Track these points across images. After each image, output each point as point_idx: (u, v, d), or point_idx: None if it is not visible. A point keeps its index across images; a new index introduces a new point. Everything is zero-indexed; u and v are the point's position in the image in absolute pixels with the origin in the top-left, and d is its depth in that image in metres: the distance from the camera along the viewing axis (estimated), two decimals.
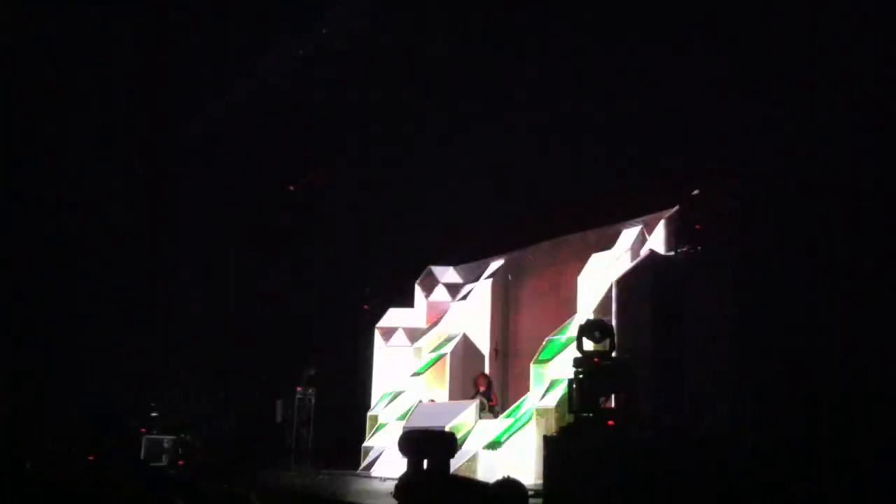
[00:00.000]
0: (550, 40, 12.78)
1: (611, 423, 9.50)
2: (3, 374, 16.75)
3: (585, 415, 9.71)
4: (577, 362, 10.08)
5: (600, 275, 12.40)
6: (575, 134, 12.81)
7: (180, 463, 16.24)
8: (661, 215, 11.99)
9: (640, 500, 8.28)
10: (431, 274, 16.18)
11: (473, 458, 12.46)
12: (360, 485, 13.03)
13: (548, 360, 12.50)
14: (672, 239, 11.42)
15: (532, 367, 12.75)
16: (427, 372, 14.88)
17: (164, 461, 16.23)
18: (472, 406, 13.53)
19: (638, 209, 12.56)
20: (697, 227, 10.72)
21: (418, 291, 16.15)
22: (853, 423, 8.39)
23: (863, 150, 8.89)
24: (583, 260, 13.00)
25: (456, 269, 16.07)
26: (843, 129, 9.02)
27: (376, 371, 16.10)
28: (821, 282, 9.03)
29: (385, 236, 16.37)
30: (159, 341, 19.86)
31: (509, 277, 15.21)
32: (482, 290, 15.10)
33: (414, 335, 15.86)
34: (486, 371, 14.53)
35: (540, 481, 10.33)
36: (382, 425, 15.01)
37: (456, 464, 12.08)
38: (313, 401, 16.52)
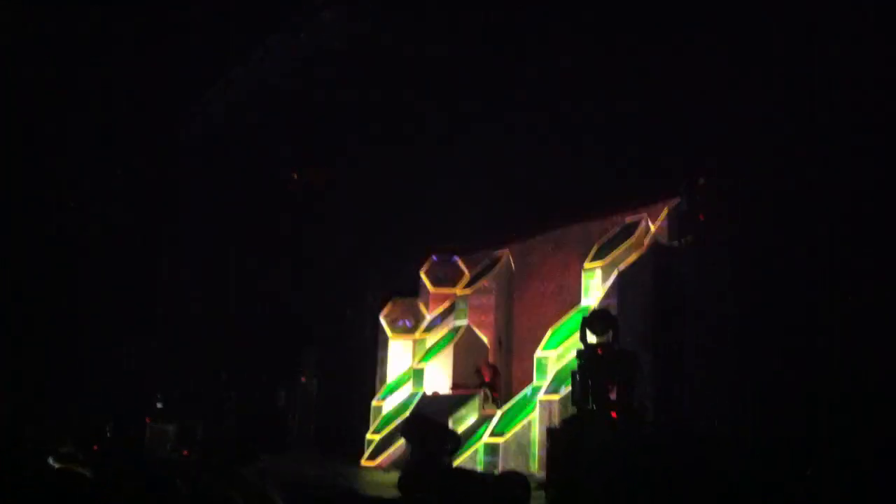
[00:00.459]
0: (552, 35, 12.75)
1: (614, 414, 9.51)
2: (3, 374, 16.77)
3: (588, 406, 9.72)
4: (580, 354, 10.08)
5: (603, 265, 12.38)
6: (578, 124, 12.76)
7: (184, 452, 16.27)
8: (665, 205, 11.96)
9: (643, 494, 8.29)
10: (435, 263, 16.17)
11: (476, 450, 12.47)
12: (364, 475, 13.06)
13: (551, 351, 12.50)
14: (676, 229, 11.39)
15: (535, 357, 12.75)
16: (430, 362, 14.89)
17: (168, 450, 16.26)
18: (475, 397, 13.54)
19: (642, 199, 12.53)
20: (701, 217, 10.67)
21: (422, 281, 16.14)
22: (853, 421, 8.37)
23: (864, 149, 8.86)
24: (586, 250, 12.98)
25: (460, 259, 16.05)
26: (844, 127, 8.99)
27: (379, 361, 16.11)
28: (821, 280, 9.00)
29: (389, 225, 16.34)
30: (161, 330, 19.90)
31: (513, 267, 15.19)
32: (486, 281, 15.08)
33: (417, 325, 15.87)
34: (489, 361, 14.51)
35: (543, 473, 10.36)
36: (386, 416, 15.02)
37: (458, 455, 12.10)
38: (315, 390, 16.54)
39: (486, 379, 13.88)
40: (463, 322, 14.93)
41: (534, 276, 14.79)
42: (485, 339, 14.77)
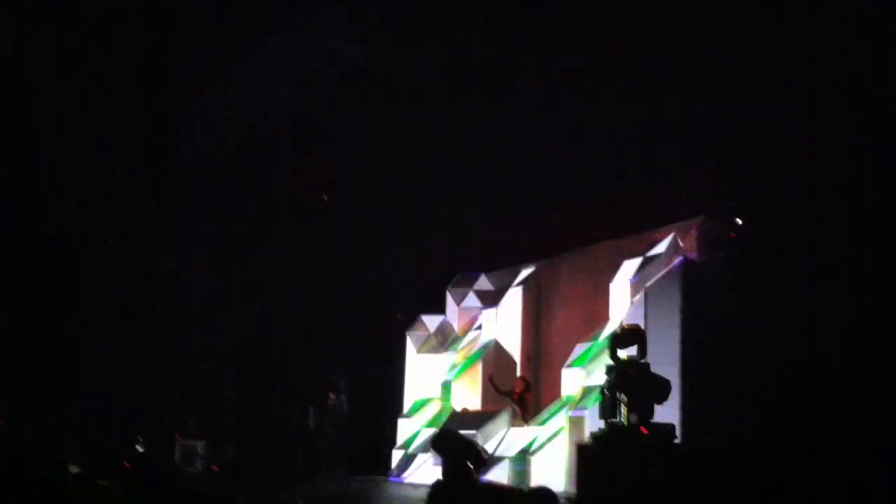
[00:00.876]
0: (578, 45, 12.75)
1: (644, 430, 9.47)
2: (4, 374, 16.89)
3: (618, 422, 9.70)
4: (609, 369, 10.07)
5: (633, 281, 12.37)
6: (608, 140, 12.77)
7: (214, 469, 16.36)
8: (695, 222, 11.94)
9: None
10: (463, 281, 16.20)
11: (505, 466, 12.46)
12: (393, 491, 13.08)
13: (580, 367, 12.49)
14: (705, 246, 11.37)
15: (564, 373, 12.74)
16: (459, 379, 14.90)
17: (198, 467, 16.35)
18: (504, 414, 13.54)
19: (671, 216, 12.52)
20: (732, 234, 10.66)
21: (449, 298, 16.18)
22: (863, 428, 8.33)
23: (866, 149, 8.82)
24: (615, 267, 12.97)
25: (487, 276, 16.08)
26: (848, 130, 8.96)
27: (408, 378, 16.14)
28: (852, 295, 8.96)
29: (417, 243, 16.38)
30: (195, 349, 20.00)
31: (541, 284, 15.19)
32: (514, 297, 15.09)
33: (445, 342, 15.89)
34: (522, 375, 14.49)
35: (571, 489, 10.33)
36: (416, 434, 15.04)
37: (487, 470, 12.10)
38: (345, 408, 16.59)
39: (518, 390, 13.84)
40: (491, 338, 14.95)
41: (562, 291, 14.78)
42: (513, 355, 14.78)
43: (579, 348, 12.77)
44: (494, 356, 14.78)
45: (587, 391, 12.03)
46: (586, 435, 11.07)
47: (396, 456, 15.01)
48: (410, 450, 14.73)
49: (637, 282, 12.30)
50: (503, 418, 13.51)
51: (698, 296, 11.03)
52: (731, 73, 10.48)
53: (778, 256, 9.84)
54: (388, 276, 17.16)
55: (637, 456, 9.07)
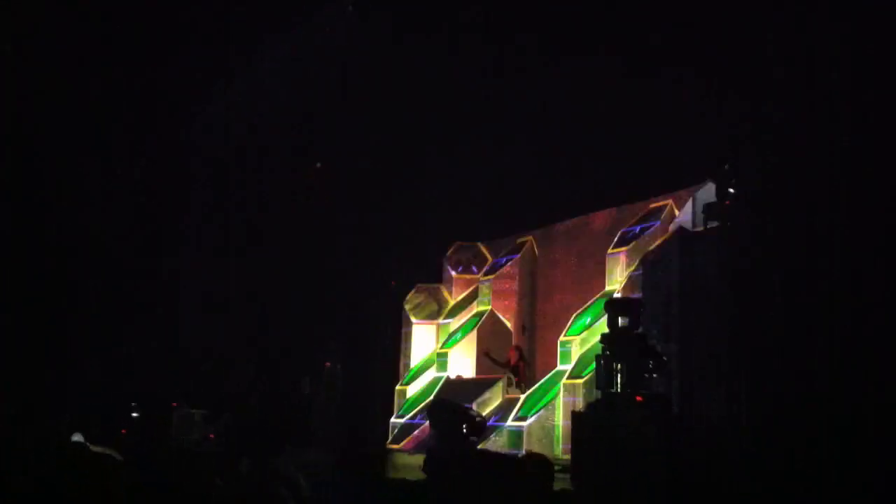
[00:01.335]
0: (573, 21, 12.72)
1: (639, 398, 9.51)
2: (11, 365, 16.95)
3: (613, 390, 9.74)
4: (604, 338, 10.09)
5: (628, 251, 12.38)
6: (603, 110, 12.74)
7: (210, 437, 16.40)
8: (691, 191, 11.93)
9: (669, 478, 8.31)
10: (458, 249, 16.20)
11: (500, 433, 12.52)
12: (389, 458, 13.13)
13: (575, 336, 12.52)
14: (701, 215, 11.35)
15: (559, 342, 12.78)
16: (454, 347, 14.94)
17: (195, 435, 16.39)
18: (499, 382, 13.59)
19: (667, 185, 12.51)
20: (727, 203, 10.63)
21: (445, 267, 16.18)
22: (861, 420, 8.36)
23: (862, 120, 8.80)
24: (611, 235, 12.98)
25: (483, 245, 16.08)
26: (869, 115, 8.93)
27: (403, 346, 16.18)
28: (846, 266, 8.96)
29: (412, 211, 16.37)
30: (185, 319, 20.02)
31: (536, 253, 15.20)
32: (509, 267, 15.11)
33: (441, 311, 15.92)
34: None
35: (565, 456, 10.39)
36: (410, 400, 15.11)
37: (482, 439, 12.15)
38: (340, 376, 16.63)
39: (513, 361, 13.89)
40: (486, 307, 14.97)
41: (557, 261, 14.79)
42: (508, 324, 14.81)
43: (575, 317, 12.80)
44: (489, 325, 14.82)
45: (582, 360, 12.07)
46: (581, 403, 11.12)
47: (392, 424, 15.07)
48: (406, 418, 14.79)
49: (632, 251, 12.30)
50: (498, 386, 13.56)
51: (694, 265, 11.03)
52: (726, 46, 10.44)
53: (774, 224, 9.83)
54: (384, 245, 17.16)
55: (630, 424, 9.11)
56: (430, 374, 15.20)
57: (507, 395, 13.41)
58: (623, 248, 12.50)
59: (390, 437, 14.79)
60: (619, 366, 9.65)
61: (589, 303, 12.73)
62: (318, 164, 18.09)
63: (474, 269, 15.86)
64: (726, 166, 10.74)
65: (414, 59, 15.07)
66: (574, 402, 11.57)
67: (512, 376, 13.72)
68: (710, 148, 11.11)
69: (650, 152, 12.29)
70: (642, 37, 12.00)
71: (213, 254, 20.14)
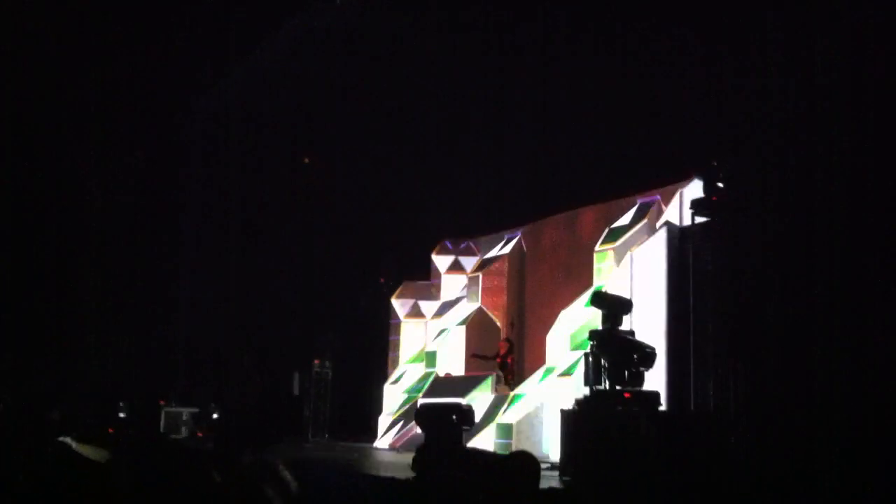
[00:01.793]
0: (563, 16, 12.72)
1: (627, 395, 9.51)
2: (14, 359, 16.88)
3: (601, 387, 9.73)
4: (593, 335, 10.08)
5: (616, 247, 12.38)
6: (591, 106, 12.73)
7: (199, 434, 16.38)
8: (678, 186, 11.93)
9: (656, 475, 8.30)
10: (447, 247, 16.18)
11: (489, 431, 12.51)
12: (378, 456, 13.12)
13: (564, 332, 12.51)
14: (688, 210, 11.35)
15: (548, 339, 12.77)
16: (443, 344, 14.92)
17: (184, 433, 16.37)
18: (488, 379, 13.57)
19: (655, 181, 12.50)
20: (714, 199, 10.63)
21: (434, 263, 16.17)
22: (861, 406, 8.38)
23: (878, 135, 8.81)
24: (599, 231, 12.97)
25: (472, 242, 16.06)
26: (857, 112, 8.94)
27: (392, 343, 16.16)
28: (834, 262, 8.97)
29: (401, 209, 16.36)
30: (178, 318, 19.99)
31: (525, 250, 15.19)
32: (498, 263, 15.10)
33: (429, 308, 15.90)
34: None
35: (555, 454, 10.39)
36: (399, 397, 15.08)
37: (471, 436, 12.14)
38: (330, 373, 16.61)
39: (503, 352, 13.86)
40: (475, 303, 14.96)
41: (546, 258, 14.79)
42: (497, 320, 14.80)
43: (563, 314, 12.78)
44: (478, 322, 14.80)
45: (571, 357, 12.06)
46: (570, 401, 11.11)
47: (381, 422, 15.05)
48: (395, 416, 14.77)
49: (621, 247, 12.30)
50: (487, 383, 13.55)
51: (683, 261, 11.03)
52: (713, 42, 10.45)
53: (762, 218, 9.84)
54: (373, 242, 17.14)
55: (620, 421, 9.11)
56: (419, 371, 15.18)
57: (496, 392, 13.40)
58: (611, 244, 12.49)
59: (379, 435, 14.76)
60: (606, 361, 9.64)
61: (578, 299, 12.72)
62: (306, 160, 18.08)
63: (463, 265, 15.84)
64: (714, 162, 10.74)
65: (402, 56, 15.07)
66: (563, 398, 11.55)
67: (501, 373, 13.70)
68: (698, 144, 11.11)
69: (638, 148, 12.29)
70: (631, 33, 12.00)
71: (202, 252, 20.13)
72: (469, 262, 15.78)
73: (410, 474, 8.66)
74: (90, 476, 4.97)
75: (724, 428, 9.32)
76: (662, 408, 9.72)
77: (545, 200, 14.33)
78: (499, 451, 11.66)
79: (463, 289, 15.45)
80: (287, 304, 18.36)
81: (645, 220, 12.37)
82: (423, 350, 15.40)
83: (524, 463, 5.68)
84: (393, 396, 15.31)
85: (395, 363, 15.90)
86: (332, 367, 16.72)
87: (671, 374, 10.72)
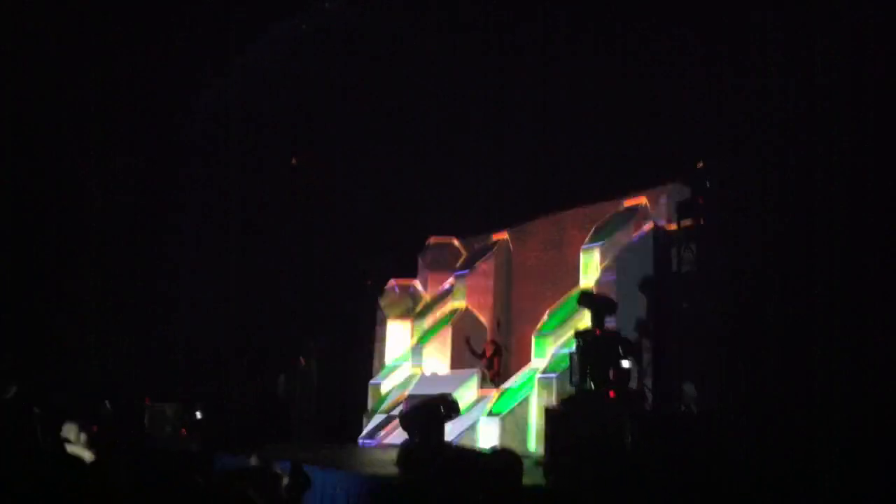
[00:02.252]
0: (550, 19, 12.76)
1: (612, 394, 9.56)
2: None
3: (586, 386, 9.78)
4: (578, 334, 10.13)
5: (602, 247, 12.43)
6: (578, 107, 12.78)
7: (182, 432, 16.32)
8: (664, 189, 11.98)
9: (639, 474, 8.34)
10: (433, 247, 16.20)
11: (474, 429, 12.53)
12: (364, 454, 13.13)
13: (549, 332, 12.55)
14: (675, 212, 11.41)
15: (534, 338, 12.80)
16: (429, 343, 14.94)
17: (168, 431, 16.30)
18: (474, 377, 13.60)
19: (641, 182, 12.56)
20: (700, 200, 10.69)
21: (420, 263, 16.18)
22: (846, 404, 8.42)
23: (865, 135, 8.86)
24: (585, 232, 13.01)
25: (458, 242, 16.08)
26: (845, 112, 8.99)
27: (378, 343, 16.16)
28: (820, 264, 9.02)
29: (388, 208, 16.36)
30: (162, 318, 19.93)
31: (511, 250, 15.22)
32: (484, 263, 15.12)
33: (416, 307, 15.91)
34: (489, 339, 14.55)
35: (540, 451, 10.42)
36: (385, 396, 15.09)
37: (456, 434, 12.17)
38: (315, 372, 16.60)
39: (488, 354, 13.89)
40: (461, 304, 14.98)
41: (532, 257, 14.82)
42: (483, 320, 14.82)
43: (549, 314, 12.83)
44: (464, 321, 14.82)
45: (556, 356, 12.10)
46: (555, 399, 11.15)
47: (367, 421, 15.05)
48: (380, 414, 14.77)
49: (607, 248, 12.35)
50: (473, 382, 13.57)
51: (668, 261, 11.09)
52: (700, 44, 10.50)
53: (748, 220, 9.89)
54: (359, 242, 17.14)
55: (604, 420, 9.15)
56: (405, 371, 15.19)
57: (481, 391, 13.42)
58: (597, 245, 12.54)
59: (364, 433, 14.76)
60: (592, 361, 9.69)
61: (563, 298, 12.76)
62: (294, 161, 18.06)
63: (449, 265, 15.86)
64: (700, 164, 10.80)
65: (389, 57, 15.07)
66: (548, 397, 11.60)
67: (486, 371, 13.74)
68: (684, 146, 11.17)
69: (625, 150, 12.34)
70: (618, 35, 12.04)
71: (187, 252, 20.07)
72: (456, 262, 15.79)
73: (395, 472, 8.68)
74: (78, 475, 4.97)
75: (709, 428, 9.36)
76: (645, 407, 9.77)
77: (532, 201, 14.37)
78: (483, 450, 11.69)
79: (449, 288, 15.46)
80: (273, 305, 18.32)
81: (631, 221, 12.42)
82: (408, 349, 15.41)
83: (508, 458, 5.70)
84: (378, 394, 15.32)
85: (381, 362, 15.90)
86: (317, 367, 16.70)
87: (656, 374, 10.76)
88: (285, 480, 5.86)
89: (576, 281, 12.74)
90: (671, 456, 8.65)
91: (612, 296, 11.08)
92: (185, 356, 19.30)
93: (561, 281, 13.54)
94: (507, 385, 12.88)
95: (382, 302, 16.16)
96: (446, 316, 15.10)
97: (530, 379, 12.42)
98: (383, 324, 16.06)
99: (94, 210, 18.79)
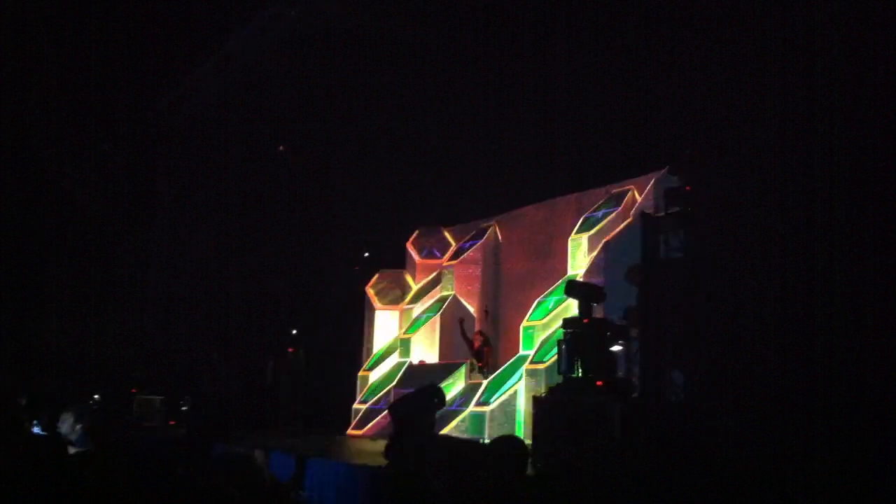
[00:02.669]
0: (538, 9, 12.73)
1: (599, 383, 9.55)
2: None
3: (574, 376, 9.77)
4: (566, 323, 10.12)
5: (590, 236, 12.41)
6: (566, 96, 12.75)
7: (171, 423, 16.31)
8: (652, 176, 11.97)
9: (627, 463, 8.35)
10: (421, 235, 16.17)
11: (462, 419, 12.52)
12: (352, 444, 13.11)
13: (538, 321, 12.54)
14: (662, 200, 11.39)
15: (522, 327, 12.79)
16: (417, 333, 14.92)
17: (155, 422, 16.29)
18: (462, 367, 13.59)
19: (629, 170, 12.54)
20: (688, 188, 10.67)
21: (409, 252, 16.15)
22: (835, 392, 8.44)
23: (856, 128, 8.86)
24: (573, 221, 13.00)
25: (446, 230, 16.05)
26: (832, 104, 8.99)
27: (366, 332, 16.14)
28: (809, 252, 9.03)
29: (376, 197, 16.32)
30: (148, 306, 19.88)
31: (499, 238, 15.20)
32: (473, 251, 15.10)
33: (404, 296, 15.88)
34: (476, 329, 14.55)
35: (528, 441, 10.40)
36: (373, 386, 15.08)
37: (445, 424, 12.17)
38: (303, 362, 16.57)
39: (476, 346, 13.88)
40: (449, 292, 14.96)
41: (521, 246, 14.80)
42: (471, 310, 14.80)
43: (537, 302, 12.82)
44: (453, 310, 14.80)
45: (545, 345, 12.09)
46: (543, 388, 11.14)
47: (355, 410, 15.03)
48: (369, 404, 14.75)
49: (595, 236, 12.34)
50: (461, 371, 13.56)
51: (656, 249, 11.07)
52: (688, 32, 10.48)
53: (736, 207, 9.89)
54: (347, 230, 17.10)
55: (593, 410, 9.15)
56: (393, 360, 15.17)
57: (470, 381, 13.42)
58: (585, 233, 12.53)
59: (352, 423, 14.75)
60: (580, 350, 9.68)
61: (552, 287, 12.76)
62: (281, 147, 18.00)
63: (437, 254, 15.83)
64: (688, 151, 10.78)
65: (376, 47, 15.00)
66: (536, 386, 11.59)
67: (475, 361, 13.72)
68: (672, 133, 11.16)
69: (612, 138, 12.32)
70: (606, 23, 12.01)
71: (175, 239, 20.02)
72: (444, 251, 15.76)
73: (383, 462, 8.67)
74: (74, 464, 4.95)
75: (696, 416, 9.37)
76: (633, 396, 9.77)
77: (520, 189, 14.35)
78: (472, 439, 11.70)
79: (437, 277, 15.44)
80: (261, 293, 18.29)
81: (619, 209, 12.41)
82: (396, 338, 15.39)
83: (513, 445, 5.65)
84: (366, 384, 15.30)
85: (369, 351, 15.87)
86: (305, 356, 16.67)
87: (644, 363, 10.75)
88: (268, 472, 5.85)
89: (564, 269, 12.74)
90: (658, 445, 8.66)
91: (600, 284, 11.07)
92: (174, 347, 19.27)
93: (549, 269, 13.53)
94: (495, 374, 12.87)
95: (371, 290, 16.12)
96: (435, 305, 15.08)
97: (518, 368, 12.41)
98: (371, 312, 16.03)
99: (78, 201, 18.70)
